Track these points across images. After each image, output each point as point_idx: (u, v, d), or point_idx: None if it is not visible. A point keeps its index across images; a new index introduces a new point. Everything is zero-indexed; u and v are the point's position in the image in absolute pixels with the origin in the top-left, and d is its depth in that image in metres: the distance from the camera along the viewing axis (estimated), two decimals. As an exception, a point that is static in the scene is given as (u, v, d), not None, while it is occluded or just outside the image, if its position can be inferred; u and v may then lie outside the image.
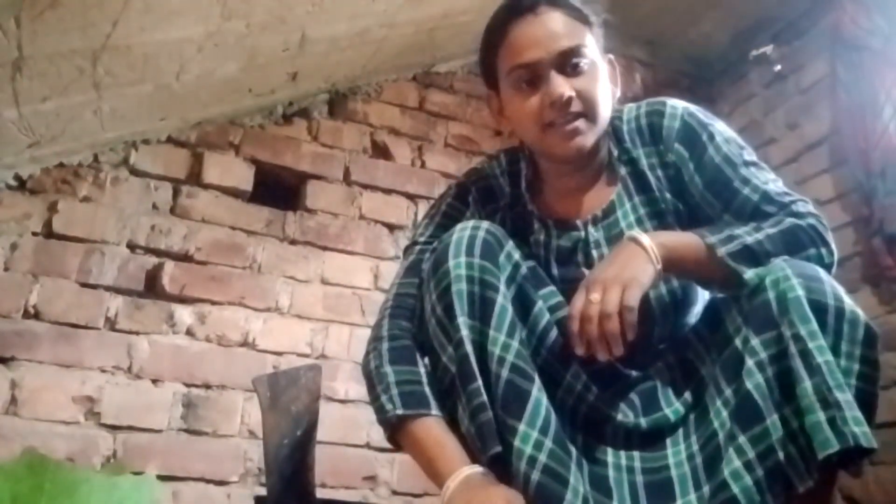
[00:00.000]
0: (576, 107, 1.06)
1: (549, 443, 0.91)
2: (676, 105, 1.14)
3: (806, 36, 2.45)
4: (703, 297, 1.14)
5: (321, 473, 1.47)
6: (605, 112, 1.10)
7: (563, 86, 1.05)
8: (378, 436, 1.44)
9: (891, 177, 2.01)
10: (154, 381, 1.89)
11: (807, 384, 0.83)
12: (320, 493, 1.59)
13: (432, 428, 1.00)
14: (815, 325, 0.85)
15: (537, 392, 0.94)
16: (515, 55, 1.08)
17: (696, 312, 1.13)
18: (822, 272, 0.92)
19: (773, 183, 1.07)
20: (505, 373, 0.94)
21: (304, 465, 1.28)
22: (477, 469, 0.94)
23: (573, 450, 0.97)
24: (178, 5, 1.56)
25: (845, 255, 2.10)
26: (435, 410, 1.01)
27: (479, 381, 0.94)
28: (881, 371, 0.89)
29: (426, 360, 1.07)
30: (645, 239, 0.99)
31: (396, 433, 1.03)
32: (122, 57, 1.62)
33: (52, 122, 1.75)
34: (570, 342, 0.97)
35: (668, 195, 1.12)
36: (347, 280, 2.18)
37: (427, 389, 1.02)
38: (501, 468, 0.93)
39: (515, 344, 0.96)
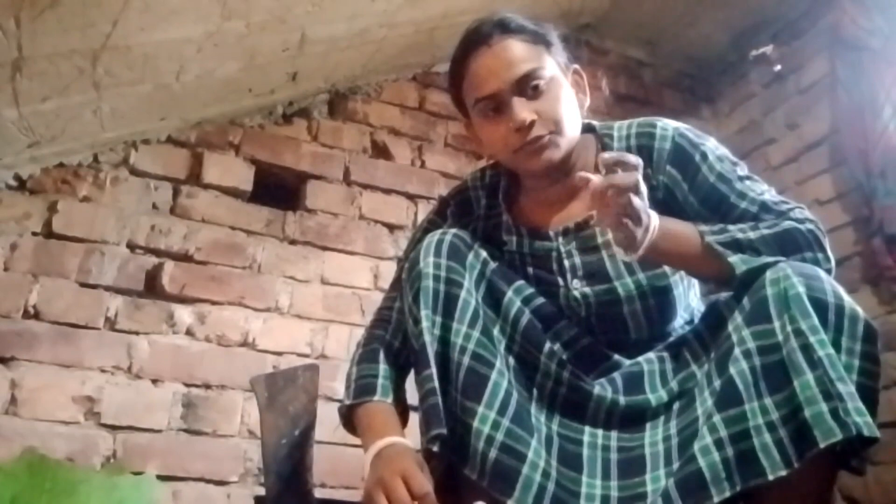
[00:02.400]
0: (539, 129, 1.09)
1: (506, 422, 0.97)
2: (667, 126, 1.15)
3: (806, 36, 2.45)
4: (686, 305, 1.16)
5: (320, 473, 1.47)
6: (571, 124, 1.12)
7: (523, 111, 1.08)
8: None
9: (891, 177, 2.01)
10: (154, 381, 1.88)
11: (808, 376, 0.84)
12: (319, 493, 1.59)
13: (369, 410, 1.10)
14: (816, 321, 0.87)
15: (497, 376, 1.00)
16: (476, 88, 1.12)
17: (678, 319, 1.15)
18: (821, 272, 0.93)
19: (768, 193, 1.09)
20: (466, 360, 1.00)
21: (303, 464, 1.28)
22: (395, 440, 1.02)
23: (543, 428, 1.02)
24: (178, 5, 1.56)
25: (845, 255, 2.10)
26: (379, 397, 1.10)
27: (433, 369, 1.00)
28: (881, 370, 0.90)
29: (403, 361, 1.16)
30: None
31: (349, 422, 1.15)
32: (121, 57, 1.62)
33: (52, 122, 1.75)
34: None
35: None
36: (347, 280, 2.18)
37: (379, 381, 1.12)
38: (450, 451, 0.97)
39: (476, 334, 1.02)
